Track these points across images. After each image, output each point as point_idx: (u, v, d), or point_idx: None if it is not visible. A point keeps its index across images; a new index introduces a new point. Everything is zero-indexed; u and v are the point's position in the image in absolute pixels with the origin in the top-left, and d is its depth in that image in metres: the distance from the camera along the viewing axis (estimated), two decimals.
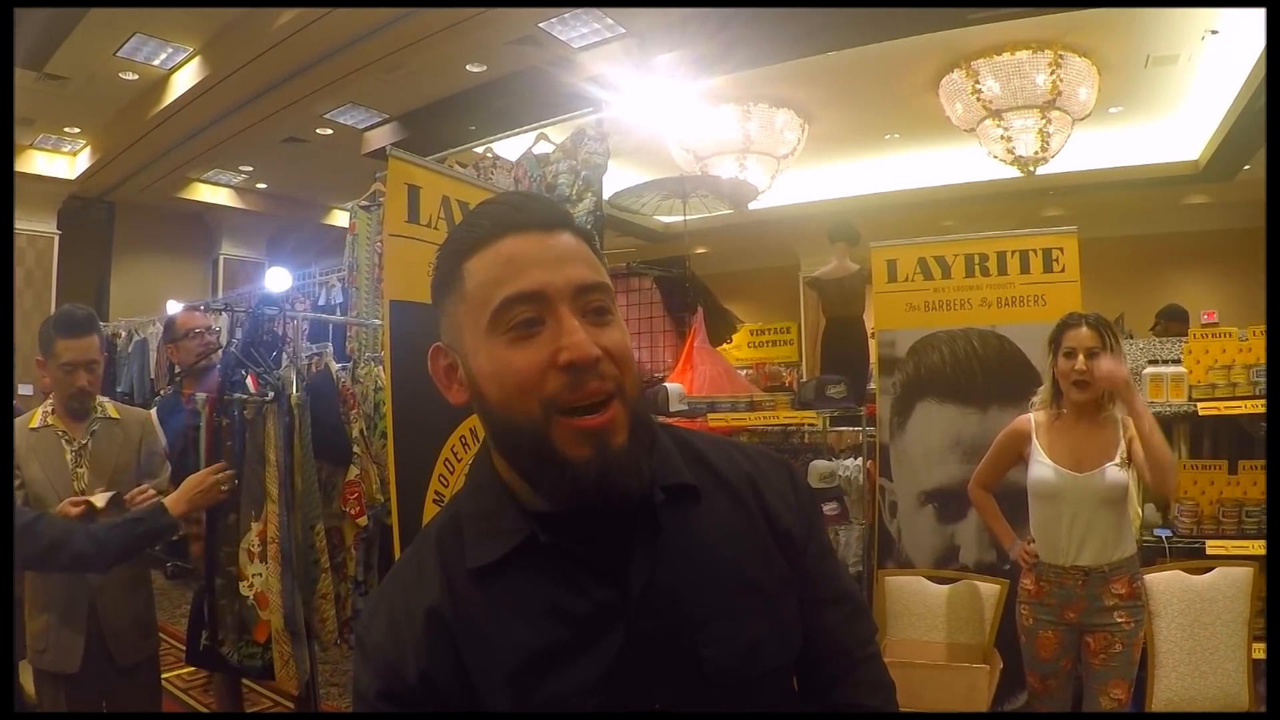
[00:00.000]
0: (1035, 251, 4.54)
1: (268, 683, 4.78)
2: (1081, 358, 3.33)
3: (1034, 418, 3.54)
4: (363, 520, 4.05)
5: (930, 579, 4.29)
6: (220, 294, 12.66)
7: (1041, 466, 3.42)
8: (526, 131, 5.72)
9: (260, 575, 3.58)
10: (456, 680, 1.13)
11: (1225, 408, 4.37)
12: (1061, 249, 4.49)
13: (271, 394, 3.66)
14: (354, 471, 4.05)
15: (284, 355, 3.92)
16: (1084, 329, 3.38)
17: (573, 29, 7.93)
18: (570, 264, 1.10)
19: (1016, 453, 3.57)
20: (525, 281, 1.08)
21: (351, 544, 4.07)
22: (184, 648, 4.00)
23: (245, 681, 4.55)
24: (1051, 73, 8.67)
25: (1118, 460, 3.32)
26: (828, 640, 1.27)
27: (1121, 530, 3.35)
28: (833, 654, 1.28)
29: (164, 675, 4.13)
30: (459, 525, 1.21)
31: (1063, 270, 4.49)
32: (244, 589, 3.60)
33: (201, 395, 3.80)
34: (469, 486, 1.25)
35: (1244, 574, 3.65)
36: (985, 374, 4.59)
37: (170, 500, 3.12)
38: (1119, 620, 3.28)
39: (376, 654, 1.18)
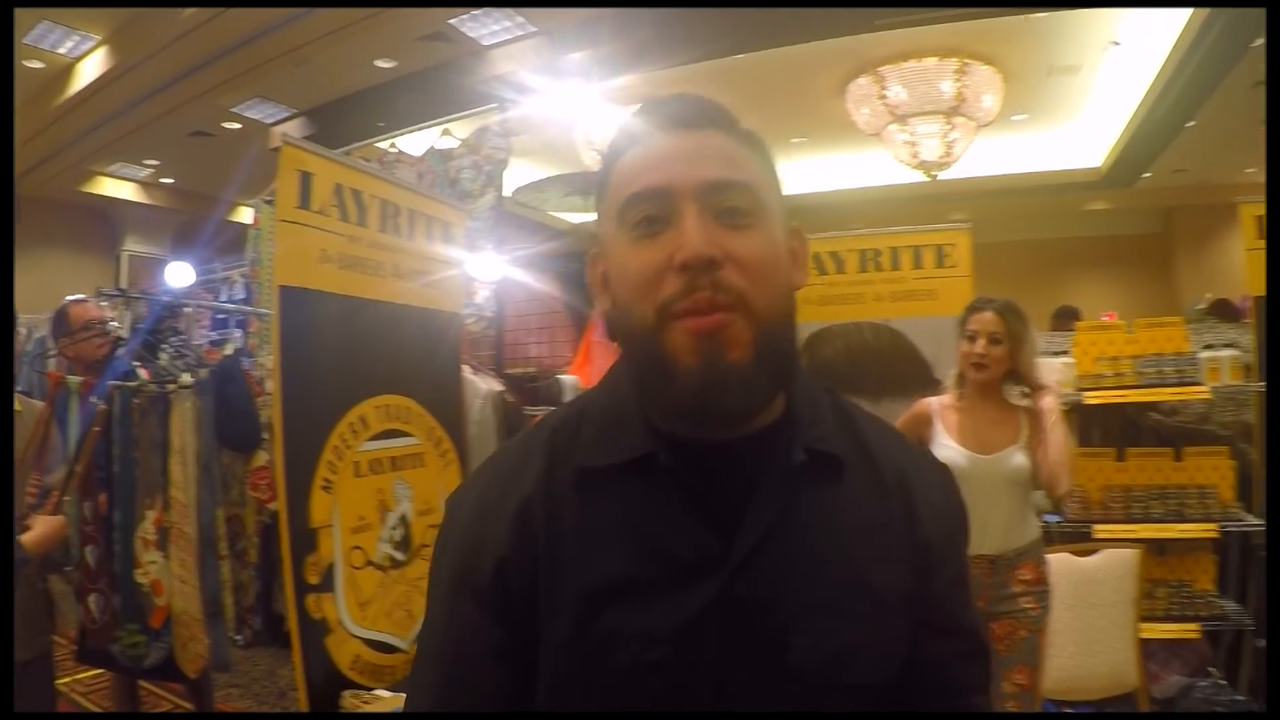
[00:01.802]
0: (928, 247, 4.63)
1: (163, 683, 4.72)
2: (982, 341, 3.30)
3: (936, 401, 3.50)
4: (273, 505, 4.02)
5: None
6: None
7: (946, 449, 3.32)
8: (433, 126, 5.72)
9: (156, 563, 3.56)
10: (528, 584, 1.04)
11: (1111, 397, 4.48)
12: (954, 244, 4.58)
13: (174, 382, 3.64)
14: (263, 457, 4.01)
15: (180, 345, 3.90)
16: (988, 313, 3.33)
17: (483, 26, 7.90)
18: (703, 160, 1.01)
19: (916, 436, 3.40)
20: (649, 178, 1.01)
21: (253, 531, 4.05)
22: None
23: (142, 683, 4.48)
24: (957, 80, 8.85)
25: (1022, 443, 3.30)
26: (933, 674, 1.14)
27: (1026, 514, 3.32)
28: (937, 690, 1.14)
29: (64, 679, 4.06)
30: (580, 423, 1.12)
31: (955, 266, 4.58)
32: (139, 576, 3.57)
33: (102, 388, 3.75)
34: (602, 386, 1.16)
35: (1130, 556, 3.73)
36: (879, 366, 4.64)
37: (28, 538, 3.05)
38: (1026, 607, 3.24)
39: (456, 537, 1.11)
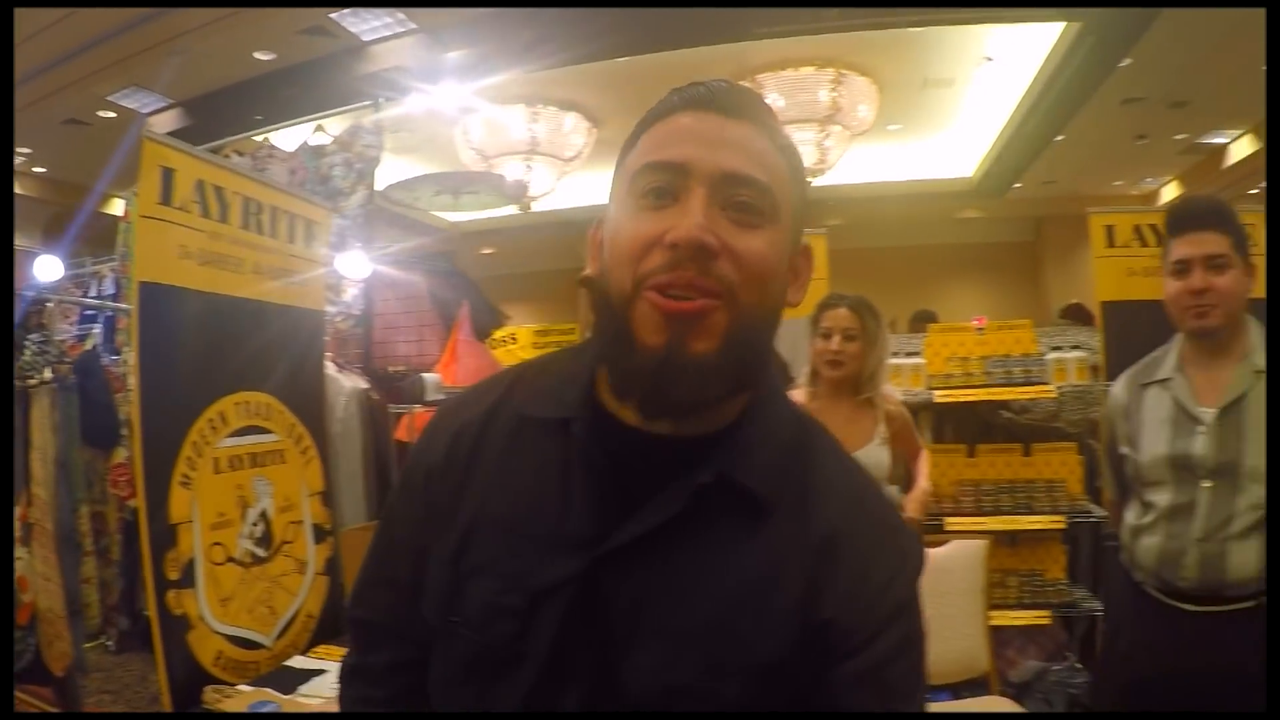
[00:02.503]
0: None
1: (31, 687, 4.63)
2: (837, 338, 3.27)
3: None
4: (133, 501, 3.98)
5: None
6: None
7: None
8: (309, 122, 5.69)
9: (22, 559, 3.52)
10: (448, 500, 1.11)
11: (961, 396, 4.68)
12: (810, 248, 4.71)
13: (35, 377, 3.60)
14: (122, 454, 3.98)
15: (42, 341, 3.86)
16: (842, 309, 3.30)
17: (364, 21, 7.89)
18: (730, 150, 0.98)
19: None
20: (670, 152, 0.98)
21: (115, 528, 4.02)
22: None
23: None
24: (833, 89, 9.04)
25: (877, 440, 3.29)
26: None
27: None
28: None
29: None
30: (539, 373, 1.16)
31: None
32: None
33: None
34: (579, 346, 1.16)
35: (979, 546, 3.83)
36: None
37: None
38: None
39: (421, 437, 1.21)
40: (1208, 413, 2.34)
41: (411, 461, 1.21)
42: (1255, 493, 2.24)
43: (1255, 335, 2.39)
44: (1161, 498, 2.43)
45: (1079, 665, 4.47)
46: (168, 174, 3.13)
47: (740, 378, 1.00)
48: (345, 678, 1.27)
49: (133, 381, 3.01)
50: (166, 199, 3.11)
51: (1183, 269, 2.39)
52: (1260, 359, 2.33)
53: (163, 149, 3.15)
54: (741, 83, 4.77)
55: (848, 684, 1.00)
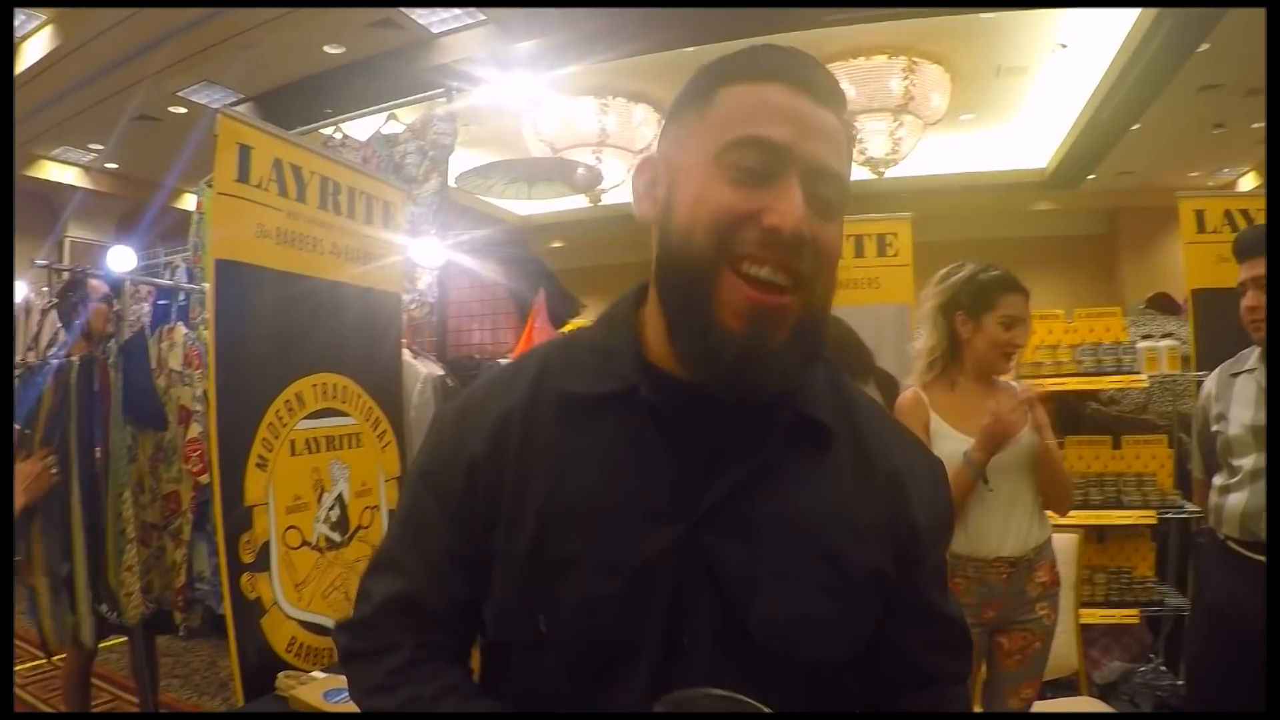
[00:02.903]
0: (870, 237, 4.68)
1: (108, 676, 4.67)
2: (1019, 329, 2.94)
3: (922, 393, 3.05)
4: (205, 478, 3.97)
5: None
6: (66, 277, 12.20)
7: (952, 441, 2.88)
8: (378, 112, 5.67)
9: None
10: (493, 492, 1.07)
11: (1050, 385, 4.53)
12: (895, 234, 4.63)
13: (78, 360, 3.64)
14: (196, 429, 3.96)
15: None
16: (1021, 297, 2.98)
17: (433, 13, 7.91)
18: (821, 141, 1.00)
19: (920, 430, 2.94)
20: (773, 130, 0.98)
21: (188, 507, 3.99)
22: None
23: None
24: (905, 78, 8.94)
25: (1029, 424, 2.89)
26: (908, 663, 1.13)
27: (1040, 506, 2.96)
28: (911, 679, 1.14)
29: None
30: (572, 349, 1.15)
31: (896, 255, 4.64)
32: None
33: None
34: (599, 320, 1.17)
35: (1069, 541, 3.75)
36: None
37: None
38: (1041, 614, 2.91)
39: (435, 437, 1.16)
40: None
41: (438, 456, 1.15)
42: None
43: None
44: (1246, 462, 2.78)
45: (1164, 667, 4.35)
46: (244, 152, 3.09)
47: (808, 360, 1.04)
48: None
49: (209, 359, 2.96)
50: (244, 177, 3.08)
51: (1243, 290, 2.82)
52: None
53: (240, 126, 3.12)
54: None
55: (929, 578, 1.15)
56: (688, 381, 1.03)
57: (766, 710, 0.89)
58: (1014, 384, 3.10)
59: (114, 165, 12.39)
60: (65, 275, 4.54)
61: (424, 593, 1.12)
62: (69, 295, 4.16)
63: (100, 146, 11.54)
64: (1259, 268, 2.76)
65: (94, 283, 4.33)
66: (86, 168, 12.46)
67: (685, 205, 1.00)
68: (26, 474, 3.18)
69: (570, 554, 1.01)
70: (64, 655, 3.85)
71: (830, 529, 1.05)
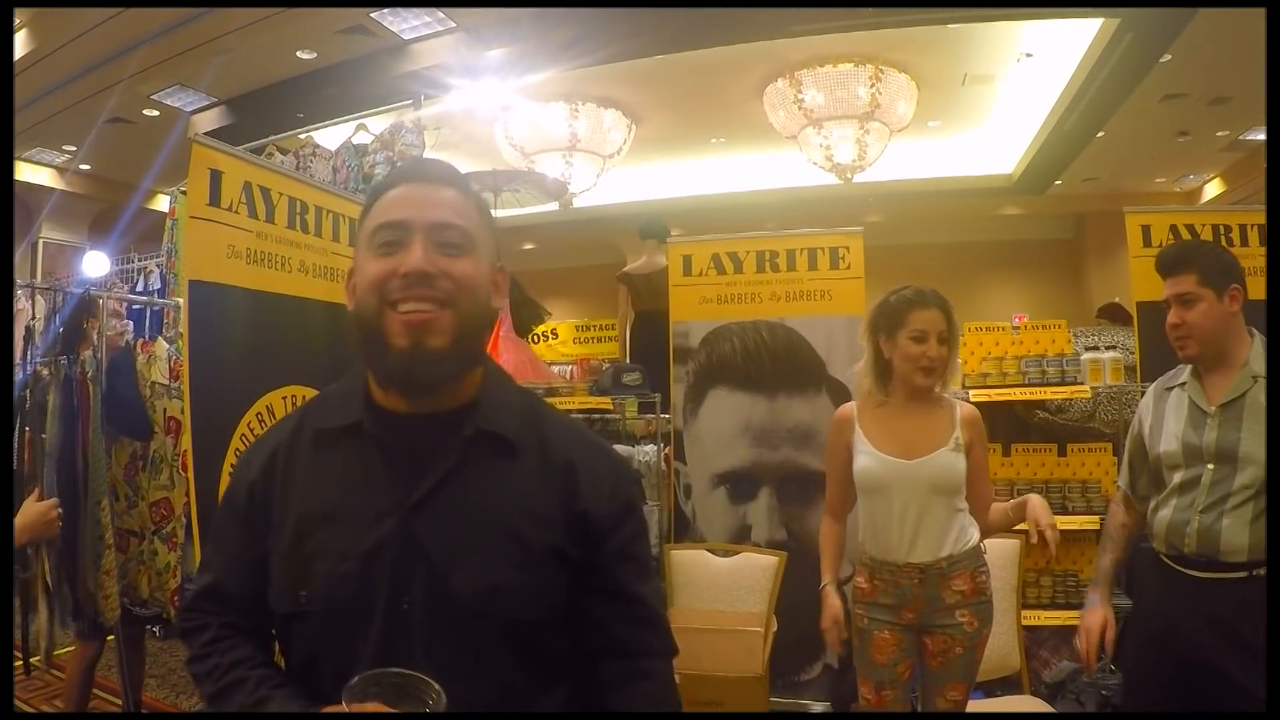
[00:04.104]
0: (823, 250, 4.77)
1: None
2: (933, 342, 3.00)
3: (855, 406, 3.21)
4: None
5: (712, 552, 4.44)
6: (39, 278, 12.17)
7: (865, 456, 3.07)
8: (350, 121, 5.75)
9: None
10: (266, 504, 1.43)
11: (995, 395, 4.66)
12: (848, 248, 4.72)
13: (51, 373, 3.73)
14: (188, 440, 4.06)
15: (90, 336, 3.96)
16: (934, 311, 3.04)
17: (404, 20, 7.97)
18: (434, 207, 1.38)
19: (845, 444, 3.16)
20: (393, 213, 1.37)
21: (180, 512, 4.08)
22: None
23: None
24: (872, 86, 9.06)
25: (951, 445, 3.03)
26: (601, 632, 1.43)
27: (958, 520, 3.05)
28: (606, 648, 1.43)
29: None
30: (327, 396, 1.52)
31: (848, 268, 4.73)
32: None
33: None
34: (350, 374, 1.50)
35: (1011, 546, 3.89)
36: (774, 363, 4.79)
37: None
38: (960, 621, 3.00)
39: (236, 465, 1.61)
40: (1213, 409, 2.79)
41: (233, 482, 1.53)
42: (1248, 475, 2.68)
43: (1257, 345, 2.83)
44: (1175, 476, 2.85)
45: (1113, 667, 4.46)
46: (215, 176, 3.22)
47: (468, 360, 1.40)
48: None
49: (184, 375, 3.08)
50: (215, 200, 3.21)
51: (1167, 307, 2.89)
52: (1259, 366, 2.78)
53: (211, 152, 3.24)
54: (779, 80, 4.80)
55: (612, 558, 1.43)
56: (397, 413, 1.40)
57: (435, 685, 1.21)
58: (951, 399, 3.21)
59: (87, 167, 12.37)
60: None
61: (224, 583, 1.47)
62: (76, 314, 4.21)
63: (74, 148, 11.52)
64: (1180, 285, 2.85)
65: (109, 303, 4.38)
66: (60, 169, 12.43)
67: (361, 284, 1.38)
68: (33, 515, 3.20)
69: (318, 545, 1.36)
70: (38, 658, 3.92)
71: (513, 515, 1.36)
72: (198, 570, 1.63)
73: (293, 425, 1.49)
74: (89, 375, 3.79)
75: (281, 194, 3.50)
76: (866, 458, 3.09)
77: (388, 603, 1.32)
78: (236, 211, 3.29)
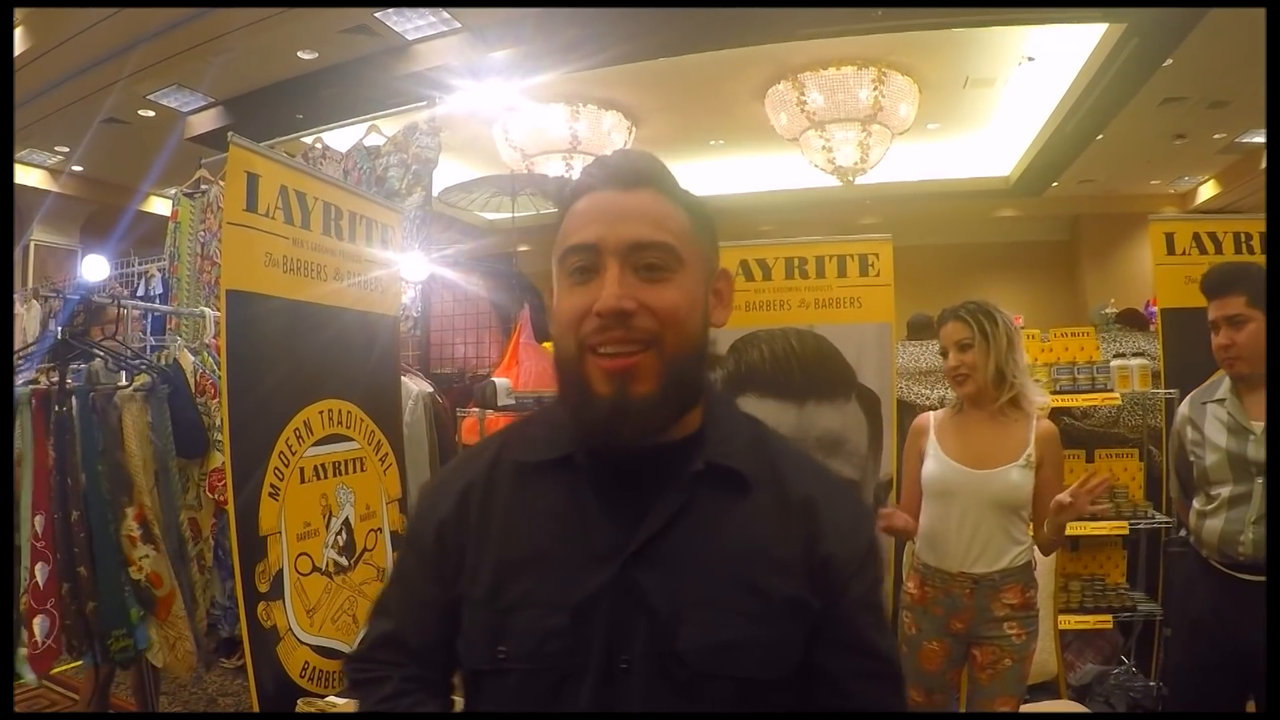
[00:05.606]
0: (852, 257, 4.71)
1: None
2: (953, 352, 3.14)
3: (934, 415, 3.32)
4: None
5: None
6: (30, 281, 12.03)
7: (934, 461, 3.17)
8: (357, 123, 5.68)
9: (148, 556, 3.41)
10: (459, 547, 1.26)
11: None
12: (877, 255, 4.67)
13: (130, 383, 3.53)
14: (218, 458, 3.94)
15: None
16: (950, 323, 3.18)
17: (408, 20, 7.89)
18: (629, 222, 1.18)
19: (919, 450, 3.27)
20: (582, 235, 1.19)
21: (209, 533, 3.99)
22: None
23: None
24: (874, 89, 9.05)
25: (1022, 461, 3.06)
26: (835, 689, 1.23)
27: (1015, 535, 3.08)
28: (838, 704, 1.23)
29: None
30: (527, 427, 1.36)
31: (878, 275, 4.68)
32: (134, 573, 3.40)
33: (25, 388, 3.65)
34: (554, 401, 1.32)
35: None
36: (803, 370, 4.67)
37: None
38: (1010, 633, 3.03)
39: (417, 506, 1.40)
40: (1258, 425, 2.90)
41: (417, 522, 1.37)
42: None
43: None
44: (1224, 490, 2.97)
45: (1135, 669, 4.47)
46: (253, 180, 3.10)
47: (683, 402, 1.21)
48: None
49: (221, 390, 2.97)
50: (252, 205, 3.09)
51: (1215, 328, 2.99)
52: None
53: (248, 154, 3.12)
54: (782, 82, 4.69)
55: (854, 608, 1.24)
56: (615, 447, 1.20)
57: None
58: (1031, 413, 3.18)
59: (80, 168, 12.22)
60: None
61: (406, 631, 1.33)
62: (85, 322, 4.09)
63: (66, 149, 11.37)
64: (1229, 307, 2.93)
65: (111, 310, 4.28)
66: (52, 170, 12.28)
67: (555, 317, 1.22)
68: None
69: (522, 594, 1.20)
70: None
71: (748, 561, 1.19)
72: (371, 614, 1.43)
73: (489, 458, 1.32)
74: (143, 392, 3.61)
75: (317, 199, 3.40)
76: (934, 462, 3.18)
77: (602, 661, 1.15)
78: (273, 217, 3.18)
